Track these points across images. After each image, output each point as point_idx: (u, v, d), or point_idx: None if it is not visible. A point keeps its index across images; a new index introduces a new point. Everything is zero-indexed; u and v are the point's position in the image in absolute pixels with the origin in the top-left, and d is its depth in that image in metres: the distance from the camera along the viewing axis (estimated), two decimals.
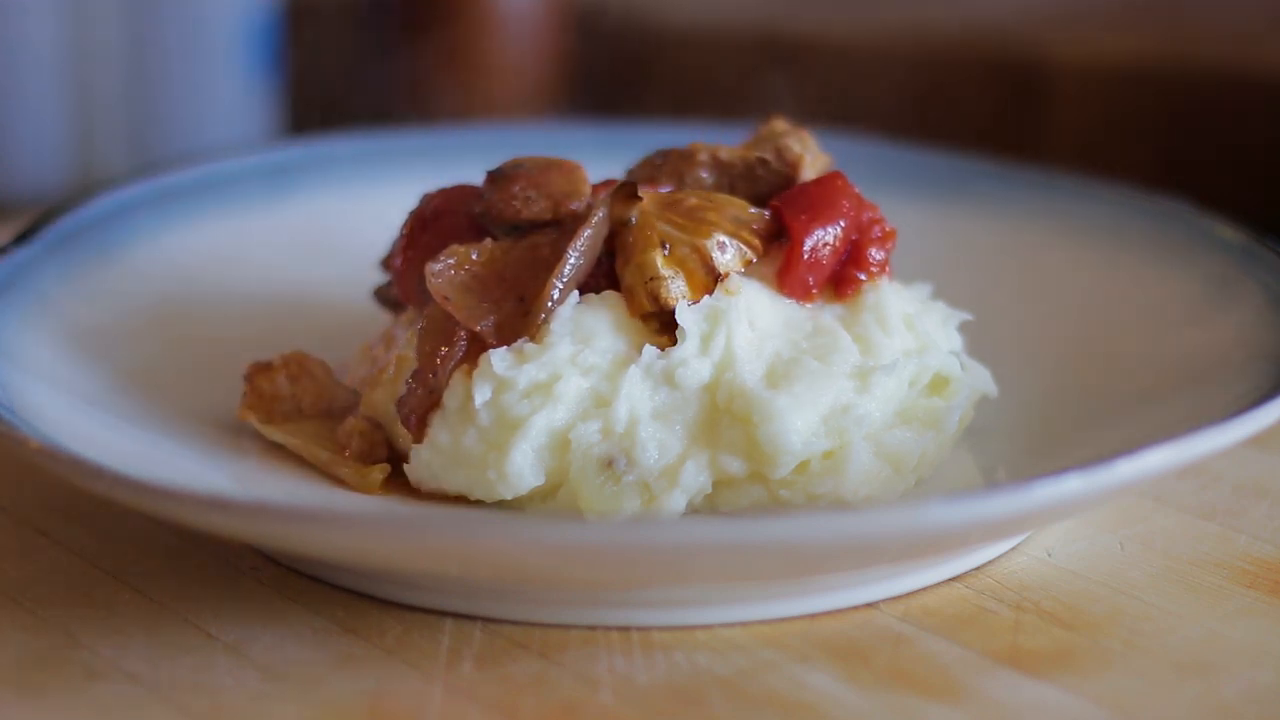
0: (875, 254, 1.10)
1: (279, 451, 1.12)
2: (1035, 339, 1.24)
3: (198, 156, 1.51)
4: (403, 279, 1.13)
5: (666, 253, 1.05)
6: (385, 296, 1.18)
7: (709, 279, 1.06)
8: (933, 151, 1.39)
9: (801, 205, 1.09)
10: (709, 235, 1.07)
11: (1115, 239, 1.29)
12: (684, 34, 1.87)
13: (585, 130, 1.41)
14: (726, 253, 1.07)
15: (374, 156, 1.41)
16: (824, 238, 1.08)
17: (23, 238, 1.22)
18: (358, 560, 0.96)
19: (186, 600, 0.99)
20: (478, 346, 1.06)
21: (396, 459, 1.09)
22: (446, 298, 1.06)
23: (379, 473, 1.08)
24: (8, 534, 1.07)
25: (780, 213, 1.09)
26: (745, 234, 1.08)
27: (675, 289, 1.05)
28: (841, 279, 1.10)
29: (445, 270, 1.07)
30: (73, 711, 0.90)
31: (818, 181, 1.11)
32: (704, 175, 1.13)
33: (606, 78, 1.91)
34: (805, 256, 1.08)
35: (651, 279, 1.05)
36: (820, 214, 1.08)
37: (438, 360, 1.06)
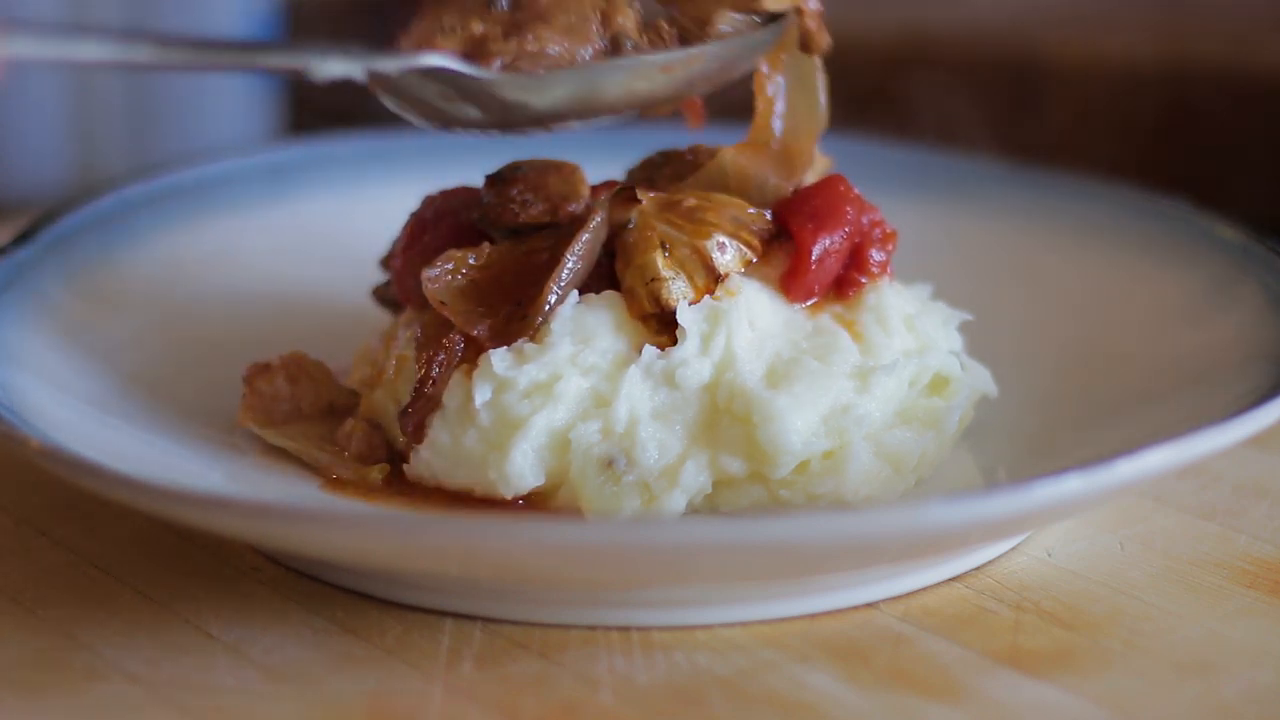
0: (876, 256, 1.10)
1: (279, 451, 1.11)
2: (1035, 339, 1.24)
3: (198, 156, 1.51)
4: (402, 280, 1.13)
5: (666, 254, 1.05)
6: (384, 296, 1.18)
7: (709, 279, 1.06)
8: (933, 151, 1.39)
9: (807, 213, 1.09)
10: (709, 236, 1.07)
11: (1115, 239, 1.29)
12: None
13: (585, 130, 1.41)
14: (726, 253, 1.07)
15: (374, 156, 1.41)
16: (829, 245, 1.08)
17: (23, 238, 1.22)
18: (358, 560, 0.96)
19: (186, 600, 0.99)
20: (474, 350, 1.06)
21: (396, 459, 1.09)
22: (443, 303, 1.06)
23: (378, 473, 1.08)
24: (8, 534, 1.07)
25: (785, 220, 1.09)
26: (745, 234, 1.08)
27: (676, 290, 1.05)
28: (843, 281, 1.10)
29: (442, 275, 1.07)
30: (73, 711, 0.90)
31: (820, 187, 1.10)
32: None
33: None
34: (813, 266, 1.08)
35: (652, 280, 1.05)
36: (826, 222, 1.08)
37: (436, 367, 1.05)
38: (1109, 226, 1.30)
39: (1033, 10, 1.83)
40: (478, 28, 1.02)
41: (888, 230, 1.10)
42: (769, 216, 1.09)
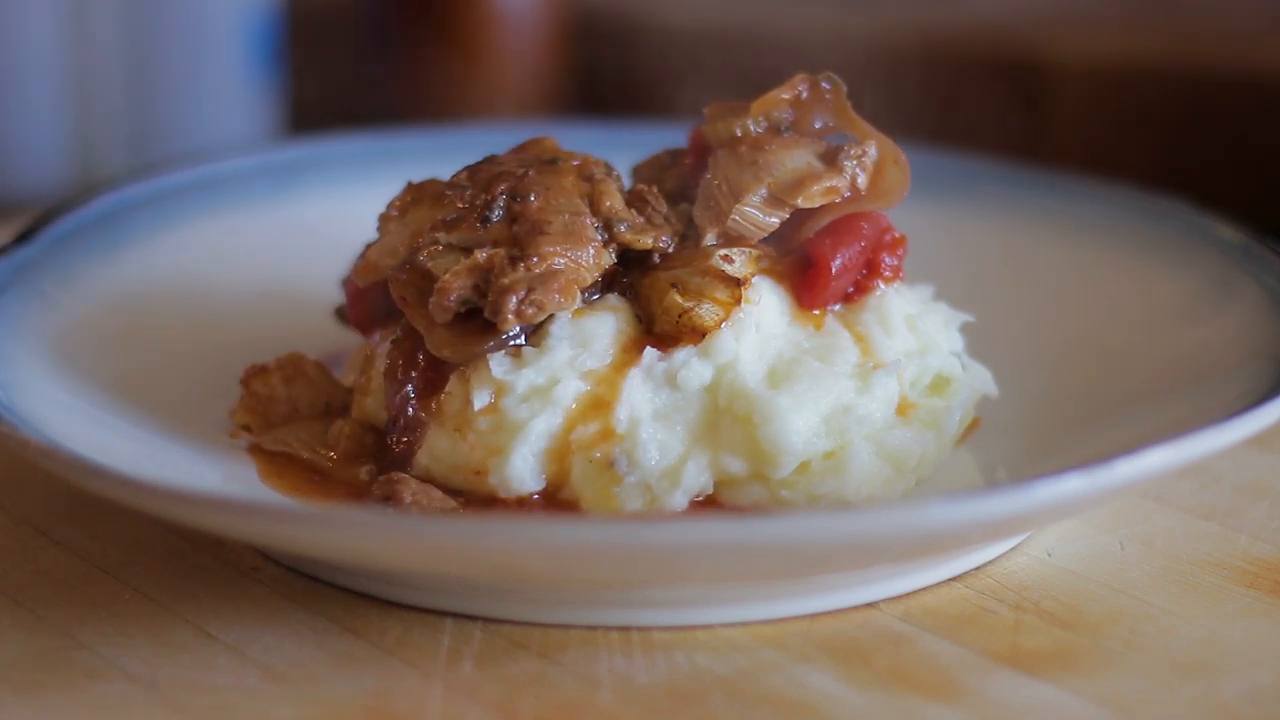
0: (889, 260, 1.10)
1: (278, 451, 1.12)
2: (1035, 339, 1.24)
3: (198, 156, 1.51)
4: (352, 304, 1.12)
5: (679, 290, 1.05)
6: (345, 315, 1.18)
7: (732, 289, 1.05)
8: (934, 151, 1.39)
9: (824, 231, 1.08)
10: (710, 256, 1.06)
11: (1115, 239, 1.29)
12: (684, 33, 1.87)
13: (585, 130, 1.41)
14: (735, 262, 1.06)
15: (374, 156, 1.41)
16: (847, 259, 1.08)
17: (23, 238, 1.22)
18: (358, 560, 0.96)
19: (186, 600, 0.99)
20: (436, 374, 1.06)
21: (392, 459, 1.09)
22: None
23: (366, 474, 1.08)
24: (8, 534, 1.07)
25: (800, 237, 1.09)
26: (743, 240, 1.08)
27: (707, 312, 1.05)
28: (859, 288, 1.10)
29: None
30: (73, 711, 0.90)
31: (833, 203, 1.10)
32: None
33: (607, 78, 1.91)
34: (834, 282, 1.08)
35: (681, 315, 1.05)
36: (843, 238, 1.08)
37: (399, 402, 1.06)
38: (1109, 226, 1.30)
39: (1034, 10, 1.83)
40: (481, 255, 1.03)
41: (897, 235, 1.10)
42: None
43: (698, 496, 1.05)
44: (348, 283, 1.14)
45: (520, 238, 1.04)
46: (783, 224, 1.08)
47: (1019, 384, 1.17)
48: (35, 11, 1.73)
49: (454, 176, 1.10)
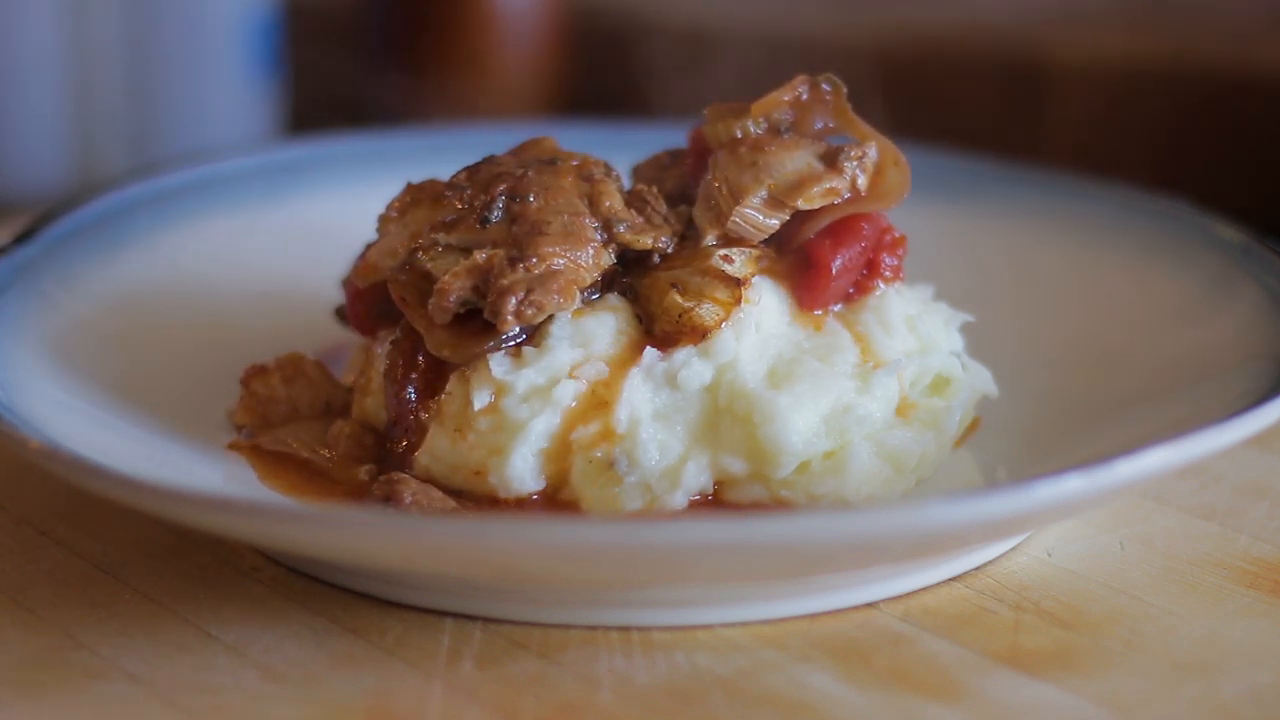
0: (889, 260, 1.10)
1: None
2: (1035, 339, 1.24)
3: (198, 156, 1.51)
4: (352, 304, 1.12)
5: (679, 290, 1.05)
6: (345, 315, 1.18)
7: (732, 288, 1.05)
8: (933, 151, 1.39)
9: (824, 232, 1.08)
10: (710, 256, 1.06)
11: (1115, 239, 1.29)
12: (684, 33, 1.87)
13: (585, 130, 1.41)
14: (735, 262, 1.06)
15: (374, 156, 1.41)
16: (847, 260, 1.08)
17: (23, 238, 1.22)
18: (358, 560, 0.96)
19: (186, 600, 0.99)
20: (436, 374, 1.06)
21: (392, 460, 1.09)
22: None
23: (365, 474, 1.08)
24: (8, 534, 1.07)
25: (800, 237, 1.09)
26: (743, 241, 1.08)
27: (707, 312, 1.05)
28: (859, 288, 1.10)
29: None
30: (73, 711, 0.90)
31: (833, 204, 1.10)
32: None
33: (606, 78, 1.91)
34: (834, 283, 1.08)
35: (681, 315, 1.05)
36: (843, 238, 1.08)
37: (399, 403, 1.06)
38: (1109, 226, 1.30)
39: (1033, 10, 1.83)
40: (480, 255, 1.03)
41: (897, 236, 1.10)
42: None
43: (697, 496, 1.05)
44: (348, 283, 1.14)
45: (520, 238, 1.04)
46: (783, 224, 1.08)
47: (1019, 384, 1.17)
48: (35, 11, 1.73)
49: (453, 177, 1.10)
